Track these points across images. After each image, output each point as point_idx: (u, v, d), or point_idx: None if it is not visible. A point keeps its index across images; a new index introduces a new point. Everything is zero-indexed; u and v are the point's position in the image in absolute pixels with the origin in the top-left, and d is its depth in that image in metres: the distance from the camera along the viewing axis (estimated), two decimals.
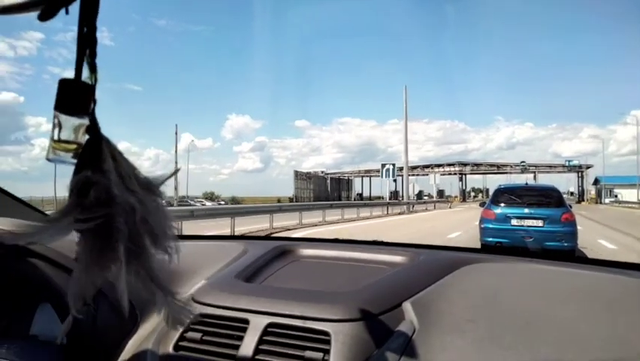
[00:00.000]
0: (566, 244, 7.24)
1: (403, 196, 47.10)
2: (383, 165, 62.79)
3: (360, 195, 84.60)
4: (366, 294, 0.91)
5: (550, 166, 71.35)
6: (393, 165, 68.88)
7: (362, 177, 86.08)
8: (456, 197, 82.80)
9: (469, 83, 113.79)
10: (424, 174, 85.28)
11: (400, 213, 26.32)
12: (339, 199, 77.34)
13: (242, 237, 3.07)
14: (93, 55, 0.44)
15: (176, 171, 0.54)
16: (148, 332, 0.95)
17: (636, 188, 67.83)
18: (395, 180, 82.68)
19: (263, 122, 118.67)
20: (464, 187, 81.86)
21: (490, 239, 7.76)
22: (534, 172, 72.89)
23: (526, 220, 7.58)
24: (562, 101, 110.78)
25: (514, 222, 7.64)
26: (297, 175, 63.52)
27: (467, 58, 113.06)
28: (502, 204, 8.00)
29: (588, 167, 68.88)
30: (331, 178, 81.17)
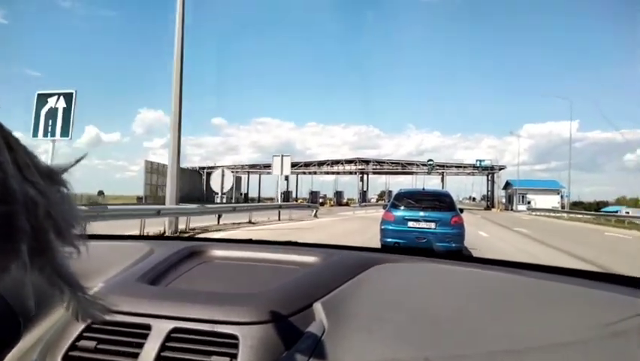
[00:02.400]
0: (454, 245, 7.94)
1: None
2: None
3: (245, 195, 69.24)
4: (277, 295, 0.91)
5: (459, 166, 61.44)
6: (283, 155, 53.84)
7: (248, 172, 70.74)
8: (351, 200, 71.02)
9: (384, 89, 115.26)
10: (324, 173, 72.46)
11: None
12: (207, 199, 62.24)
13: (148, 237, 2.67)
14: None
15: (82, 157, 0.47)
16: (32, 343, 0.88)
17: (551, 194, 60.49)
18: (287, 178, 68.54)
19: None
20: (365, 188, 69.93)
21: (389, 240, 8.24)
22: (442, 173, 62.75)
23: (421, 223, 8.16)
24: (465, 113, 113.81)
25: (410, 224, 8.19)
26: (151, 168, 46.10)
27: (383, 65, 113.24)
28: (401, 208, 8.50)
29: (501, 168, 59.93)
30: (208, 174, 65.92)
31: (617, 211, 45.91)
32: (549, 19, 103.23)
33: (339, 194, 70.10)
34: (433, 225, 8.10)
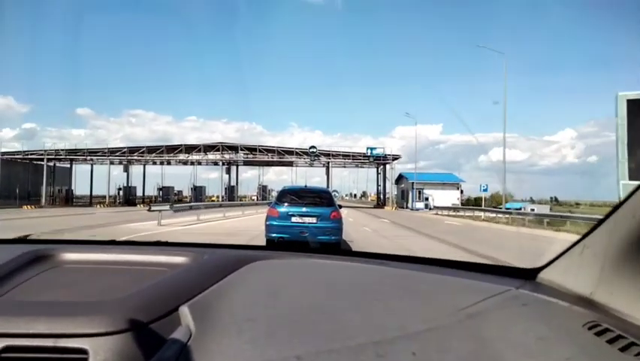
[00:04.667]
0: (333, 238, 8.48)
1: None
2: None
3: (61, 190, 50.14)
4: (137, 300, 0.84)
5: (347, 155, 50.02)
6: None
7: (71, 160, 51.31)
8: (210, 198, 56.15)
9: (266, 86, 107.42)
10: (179, 161, 56.21)
11: None
12: (29, 197, 43.28)
13: None
14: None
15: None
16: None
17: (450, 189, 52.39)
18: (127, 170, 50.58)
19: (32, 107, 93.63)
20: (232, 183, 55.33)
21: (274, 235, 8.50)
22: (327, 164, 50.89)
23: (303, 217, 8.53)
24: (345, 114, 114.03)
25: (294, 219, 8.52)
26: None
27: (262, 60, 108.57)
28: (285, 204, 8.73)
29: (395, 158, 49.88)
30: (13, 161, 45.91)
31: (520, 208, 37.86)
32: (417, 27, 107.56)
33: (197, 190, 54.59)
34: (314, 219, 8.46)
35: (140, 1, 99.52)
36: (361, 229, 16.52)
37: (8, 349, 0.70)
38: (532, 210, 29.06)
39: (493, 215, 27.58)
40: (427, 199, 49.03)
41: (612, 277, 0.91)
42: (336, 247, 8.35)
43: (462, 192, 49.09)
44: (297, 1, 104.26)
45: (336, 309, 0.90)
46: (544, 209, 30.57)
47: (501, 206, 35.85)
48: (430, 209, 48.18)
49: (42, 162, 48.39)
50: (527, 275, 1.17)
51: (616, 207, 0.89)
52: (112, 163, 52.42)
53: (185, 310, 0.84)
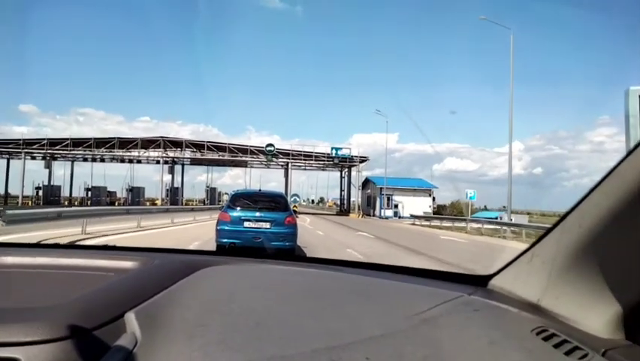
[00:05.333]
0: (287, 244, 8.14)
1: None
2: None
3: None
4: (78, 306, 0.79)
5: (309, 156, 44.41)
6: None
7: None
8: (150, 200, 49.05)
9: (222, 89, 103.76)
10: (112, 158, 48.54)
11: None
12: None
13: None
14: None
15: None
16: None
17: (422, 195, 47.94)
18: (49, 166, 42.77)
19: None
20: (175, 184, 48.58)
21: (225, 240, 8.07)
22: (286, 165, 45.20)
23: (257, 223, 8.17)
24: (302, 119, 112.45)
25: (246, 224, 8.15)
26: None
27: (220, 62, 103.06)
28: (238, 208, 8.39)
29: (362, 160, 44.83)
30: None
31: (496, 217, 33.86)
32: (375, 35, 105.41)
33: (134, 192, 47.19)
34: (268, 225, 8.18)
35: None
36: (345, 251, 11.05)
37: None
38: (511, 220, 24.97)
39: (478, 226, 23.03)
40: (396, 206, 44.29)
41: (558, 284, 0.93)
42: (290, 253, 7.98)
43: (434, 199, 44.76)
44: (258, 5, 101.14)
45: (290, 315, 0.89)
46: (523, 219, 26.73)
47: (480, 216, 31.74)
48: (400, 217, 43.50)
49: None
50: (479, 282, 1.19)
51: (563, 217, 0.91)
52: (33, 158, 44.20)
53: (131, 317, 0.80)
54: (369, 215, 44.32)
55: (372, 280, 1.19)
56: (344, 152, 43.39)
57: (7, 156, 42.76)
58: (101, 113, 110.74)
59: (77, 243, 8.59)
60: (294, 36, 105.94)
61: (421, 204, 42.38)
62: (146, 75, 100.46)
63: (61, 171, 50.49)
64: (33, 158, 44.19)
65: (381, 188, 44.24)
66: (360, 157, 44.25)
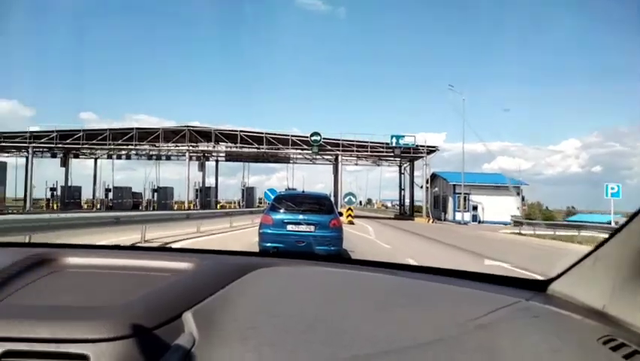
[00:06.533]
0: (332, 248, 7.74)
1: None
2: None
3: None
4: (140, 306, 0.84)
5: (362, 146, 36.20)
6: None
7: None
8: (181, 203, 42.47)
9: (266, 89, 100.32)
10: (129, 151, 42.68)
11: None
12: None
13: None
14: None
15: None
16: None
17: (506, 194, 38.64)
18: (65, 165, 37.74)
19: (36, 110, 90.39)
20: (205, 183, 41.93)
21: (268, 244, 7.82)
22: (335, 158, 37.36)
23: (300, 226, 7.90)
24: (346, 122, 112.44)
25: (289, 227, 7.91)
26: None
27: (266, 65, 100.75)
28: (281, 210, 8.18)
29: (431, 150, 36.11)
30: None
31: (609, 222, 24.31)
32: (420, 35, 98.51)
33: (161, 192, 40.85)
34: (312, 228, 7.87)
35: (146, 4, 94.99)
36: None
37: (9, 353, 0.69)
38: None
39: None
40: (475, 208, 35.22)
41: (625, 290, 0.90)
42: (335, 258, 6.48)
43: (523, 198, 35.34)
44: (301, 9, 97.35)
45: (339, 318, 0.89)
46: None
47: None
48: (480, 222, 34.36)
49: None
50: (537, 287, 1.15)
51: (630, 218, 0.88)
52: (50, 153, 38.85)
53: (188, 317, 0.83)
54: (440, 219, 35.55)
55: (423, 284, 1.16)
56: (407, 140, 34.88)
57: (25, 153, 37.50)
58: (154, 119, 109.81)
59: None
60: (336, 37, 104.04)
61: (506, 206, 33.20)
62: (196, 78, 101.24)
63: (75, 169, 44.91)
64: (50, 153, 38.85)
65: (454, 185, 35.36)
66: (428, 147, 35.56)
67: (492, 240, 18.48)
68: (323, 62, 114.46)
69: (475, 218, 34.47)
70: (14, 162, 40.21)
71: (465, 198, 34.14)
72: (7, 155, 40.82)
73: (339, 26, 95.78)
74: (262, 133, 36.31)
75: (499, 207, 33.33)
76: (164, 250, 1.55)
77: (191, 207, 36.80)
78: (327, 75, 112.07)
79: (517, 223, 23.00)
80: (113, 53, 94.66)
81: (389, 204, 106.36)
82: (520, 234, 21.23)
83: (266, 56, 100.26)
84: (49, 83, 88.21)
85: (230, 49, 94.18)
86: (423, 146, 35.19)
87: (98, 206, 40.37)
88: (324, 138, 34.62)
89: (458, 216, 34.59)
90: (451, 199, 36.31)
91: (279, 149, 36.85)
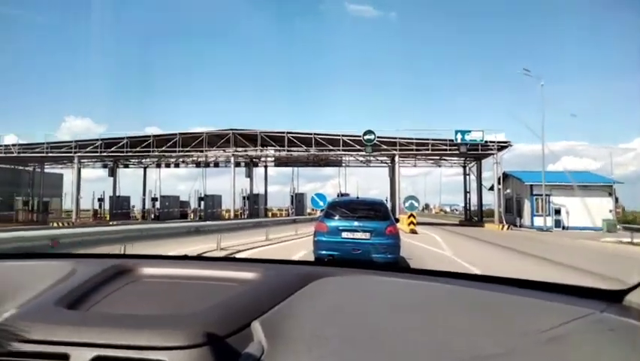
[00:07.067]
0: (389, 256, 7.46)
1: None
2: None
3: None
4: (213, 315, 0.86)
5: (422, 144, 32.43)
6: None
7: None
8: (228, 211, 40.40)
9: (319, 96, 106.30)
10: (168, 159, 41.38)
11: None
12: None
13: (70, 255, 2.06)
14: None
15: None
16: None
17: (597, 195, 33.38)
18: (115, 176, 36.75)
19: (107, 127, 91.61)
20: (253, 190, 39.74)
21: (324, 252, 7.74)
22: (391, 157, 33.97)
23: (355, 233, 7.68)
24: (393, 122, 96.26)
25: (344, 234, 7.70)
26: None
27: (317, 71, 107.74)
28: (335, 217, 8.00)
29: (503, 146, 31.75)
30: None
31: None
32: (473, 36, 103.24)
33: (208, 201, 39.11)
34: (367, 235, 7.62)
35: (205, 28, 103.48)
36: None
37: (98, 359, 0.73)
38: None
39: None
40: (557, 212, 30.38)
41: None
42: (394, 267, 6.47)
43: (617, 199, 30.04)
44: (352, 16, 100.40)
45: (402, 328, 0.88)
46: None
47: None
48: (565, 228, 29.50)
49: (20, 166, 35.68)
50: (612, 297, 1.07)
51: None
52: (93, 164, 38.35)
53: (257, 326, 0.85)
54: (515, 225, 31.00)
55: (487, 294, 1.10)
56: (474, 136, 30.77)
57: (78, 163, 37.13)
58: (211, 128, 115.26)
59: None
60: (387, 40, 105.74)
61: (596, 208, 28.23)
62: (248, 87, 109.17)
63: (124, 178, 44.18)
64: (101, 163, 38.26)
65: (531, 186, 30.70)
66: (499, 142, 31.22)
67: (603, 253, 14.38)
68: (375, 62, 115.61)
69: (558, 223, 29.66)
70: (70, 174, 40.24)
71: (546, 200, 29.44)
72: (60, 167, 40.88)
73: (389, 28, 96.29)
74: (311, 134, 33.54)
75: (587, 210, 28.43)
76: (228, 259, 1.65)
77: (239, 216, 34.66)
78: (373, 80, 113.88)
79: (631, 229, 18.36)
80: (174, 74, 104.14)
81: (447, 209, 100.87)
82: (632, 243, 16.80)
83: (318, 58, 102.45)
84: (117, 101, 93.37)
85: (285, 59, 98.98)
86: (492, 142, 30.92)
87: (145, 216, 39.30)
88: (378, 137, 31.32)
89: (537, 221, 29.93)
90: (527, 202, 31.66)
91: (329, 151, 33.94)
